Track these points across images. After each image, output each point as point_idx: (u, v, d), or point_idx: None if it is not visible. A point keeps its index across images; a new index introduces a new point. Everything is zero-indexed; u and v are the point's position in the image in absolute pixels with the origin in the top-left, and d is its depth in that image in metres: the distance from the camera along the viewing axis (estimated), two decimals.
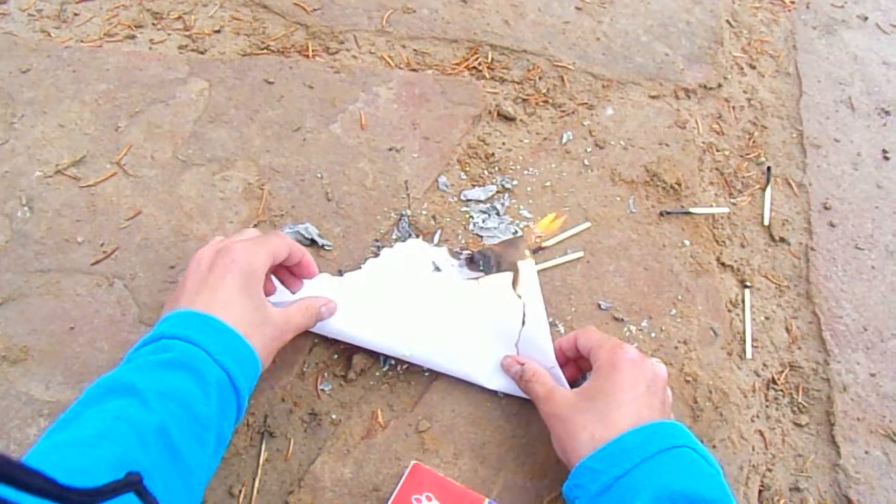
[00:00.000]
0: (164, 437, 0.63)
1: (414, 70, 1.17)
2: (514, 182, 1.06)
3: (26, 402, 0.82)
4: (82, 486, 0.44)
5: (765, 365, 0.98)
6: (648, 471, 0.67)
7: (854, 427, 0.94)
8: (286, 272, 0.86)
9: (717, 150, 1.16)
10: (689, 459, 0.69)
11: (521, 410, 0.86)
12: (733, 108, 1.23)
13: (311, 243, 0.96)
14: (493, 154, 1.08)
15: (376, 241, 0.97)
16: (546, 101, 1.16)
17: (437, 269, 0.95)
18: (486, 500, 0.76)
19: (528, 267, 0.94)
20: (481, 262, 0.95)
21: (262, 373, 0.76)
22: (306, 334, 0.86)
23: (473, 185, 1.04)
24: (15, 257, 0.92)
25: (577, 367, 0.87)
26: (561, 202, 1.05)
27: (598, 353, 0.78)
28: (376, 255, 0.95)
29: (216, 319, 0.72)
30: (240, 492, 0.79)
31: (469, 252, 0.96)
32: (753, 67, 1.30)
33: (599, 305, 0.97)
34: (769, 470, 0.90)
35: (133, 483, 0.51)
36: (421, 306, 0.89)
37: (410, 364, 0.88)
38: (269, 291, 0.84)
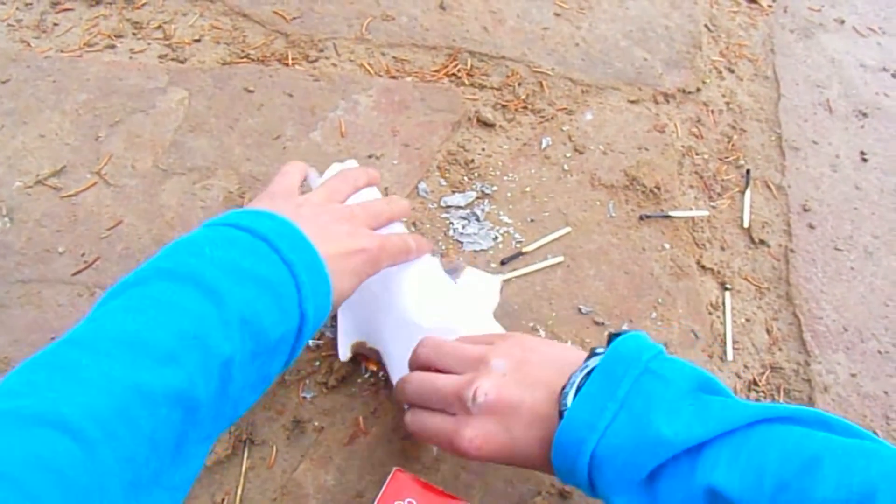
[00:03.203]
0: (225, 371, 0.57)
1: (393, 77, 1.17)
2: (494, 188, 1.06)
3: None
4: None
5: (746, 367, 0.98)
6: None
7: None
8: None
9: (697, 154, 1.17)
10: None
11: None
12: (712, 111, 1.23)
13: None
14: (472, 160, 1.08)
15: None
16: (525, 107, 1.16)
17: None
18: None
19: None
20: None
21: None
22: None
23: (453, 192, 1.05)
24: None
25: None
26: (541, 207, 1.05)
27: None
28: None
29: (318, 256, 0.66)
30: (223, 500, 0.79)
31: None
32: (732, 71, 1.31)
33: (580, 310, 0.97)
34: None
35: None
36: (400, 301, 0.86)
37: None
38: None
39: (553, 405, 0.66)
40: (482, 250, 1.00)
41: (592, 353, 0.67)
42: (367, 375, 0.88)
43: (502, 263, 0.99)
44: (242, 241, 0.62)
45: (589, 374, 0.64)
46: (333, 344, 0.89)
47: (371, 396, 0.87)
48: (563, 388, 0.65)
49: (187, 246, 0.61)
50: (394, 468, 0.73)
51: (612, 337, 0.68)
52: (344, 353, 0.85)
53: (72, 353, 0.51)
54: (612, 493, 0.62)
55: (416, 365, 0.77)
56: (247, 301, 0.59)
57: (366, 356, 0.87)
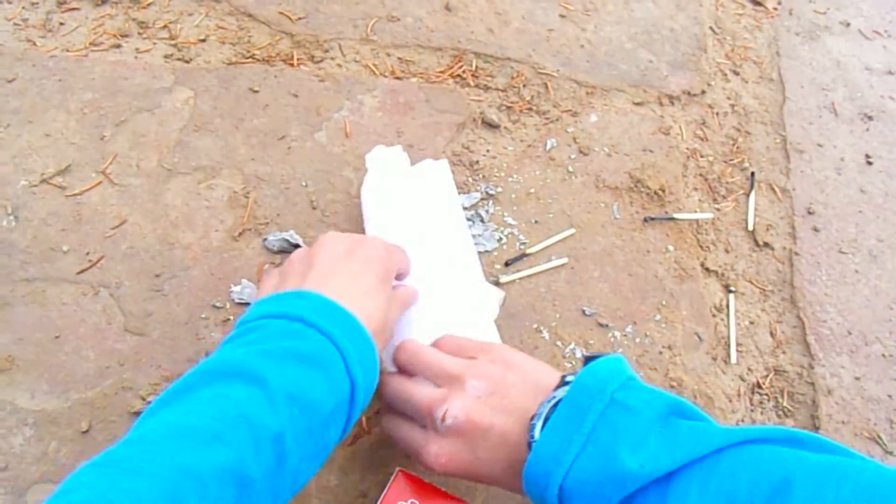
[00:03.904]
0: (279, 446, 0.57)
1: (398, 78, 1.17)
2: (499, 189, 1.06)
3: (11, 411, 0.82)
4: None
5: (749, 369, 0.98)
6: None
7: (839, 430, 0.95)
8: None
9: (701, 156, 1.17)
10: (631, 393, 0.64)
11: None
12: (717, 114, 1.23)
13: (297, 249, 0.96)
14: (477, 161, 1.08)
15: None
16: (530, 109, 1.16)
17: None
18: None
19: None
20: None
21: None
22: None
23: (458, 193, 1.04)
24: (0, 266, 0.92)
25: None
26: (545, 209, 1.05)
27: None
28: None
29: (354, 318, 0.66)
30: None
31: None
32: (737, 74, 1.31)
33: (584, 311, 0.97)
34: None
35: None
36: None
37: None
38: None
39: (522, 433, 0.66)
40: (486, 251, 1.00)
41: (563, 381, 0.68)
42: None
43: (506, 265, 0.99)
44: (279, 327, 0.63)
45: (557, 404, 0.64)
46: None
47: (373, 397, 0.87)
48: (533, 417, 0.65)
49: (226, 348, 0.63)
50: (397, 469, 0.73)
51: (587, 360, 0.68)
52: None
53: (119, 450, 0.52)
54: None
55: (396, 367, 0.78)
56: (291, 378, 0.59)
57: None
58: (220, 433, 0.54)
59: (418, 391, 0.72)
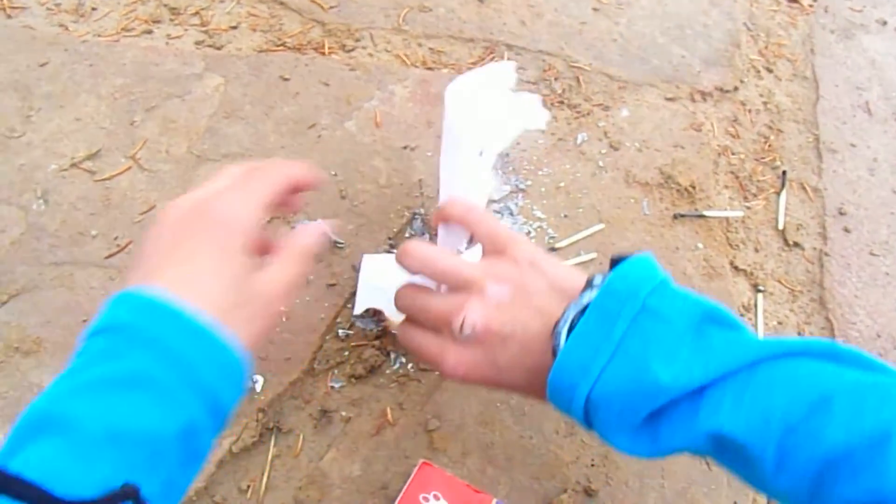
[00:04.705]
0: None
1: (430, 69, 1.17)
2: (528, 182, 1.06)
3: (38, 393, 0.82)
4: (79, 498, 0.39)
5: None
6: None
7: None
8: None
9: (733, 154, 1.16)
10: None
11: (531, 411, 0.86)
12: (749, 111, 1.22)
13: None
14: (507, 154, 1.08)
15: (390, 239, 0.97)
16: (561, 102, 1.16)
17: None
18: (494, 500, 0.75)
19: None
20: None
21: (272, 368, 0.75)
22: (320, 323, 0.86)
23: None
24: (29, 249, 0.92)
25: None
26: (575, 203, 1.05)
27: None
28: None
29: (184, 314, 0.52)
30: (248, 487, 0.79)
31: None
32: (770, 71, 1.29)
33: None
34: None
35: (130, 494, 0.43)
36: None
37: (420, 363, 0.87)
38: (265, 249, 0.66)
39: (546, 339, 0.63)
40: None
41: (590, 284, 0.63)
42: (395, 367, 0.88)
43: None
44: (99, 347, 0.52)
45: (584, 310, 0.61)
46: (362, 334, 0.89)
47: (399, 388, 0.87)
48: (557, 322, 0.62)
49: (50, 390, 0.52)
50: (420, 461, 0.73)
51: (613, 262, 0.64)
52: (358, 310, 0.89)
53: None
54: (611, 433, 0.60)
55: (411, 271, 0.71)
56: (108, 414, 0.48)
57: (376, 310, 0.89)
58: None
59: (434, 301, 0.69)
